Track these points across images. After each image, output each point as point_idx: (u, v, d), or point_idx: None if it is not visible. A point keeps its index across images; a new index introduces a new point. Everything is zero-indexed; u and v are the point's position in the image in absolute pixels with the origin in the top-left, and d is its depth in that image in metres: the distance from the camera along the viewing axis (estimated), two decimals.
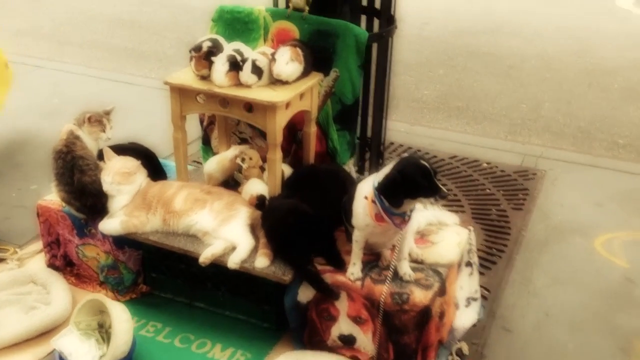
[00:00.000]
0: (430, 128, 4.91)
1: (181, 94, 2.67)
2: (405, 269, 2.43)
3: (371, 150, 3.40)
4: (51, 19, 7.66)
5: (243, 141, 3.12)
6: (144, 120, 4.76)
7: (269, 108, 2.51)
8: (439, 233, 2.72)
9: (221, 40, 2.71)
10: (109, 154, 2.75)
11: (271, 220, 2.55)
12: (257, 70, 2.55)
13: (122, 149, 2.91)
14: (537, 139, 4.86)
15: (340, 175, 2.82)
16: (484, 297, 2.95)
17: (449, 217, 2.82)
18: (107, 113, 2.88)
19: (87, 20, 7.61)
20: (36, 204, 2.96)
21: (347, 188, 2.74)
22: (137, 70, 6.11)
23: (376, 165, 3.42)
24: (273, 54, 2.58)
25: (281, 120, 2.56)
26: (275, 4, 3.09)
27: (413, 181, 2.16)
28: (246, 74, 2.55)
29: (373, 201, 2.24)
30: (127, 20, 7.63)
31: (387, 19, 3.11)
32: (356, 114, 2.94)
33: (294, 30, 2.84)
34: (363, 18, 3.13)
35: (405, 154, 2.28)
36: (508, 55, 6.63)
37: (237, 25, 2.92)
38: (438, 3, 8.27)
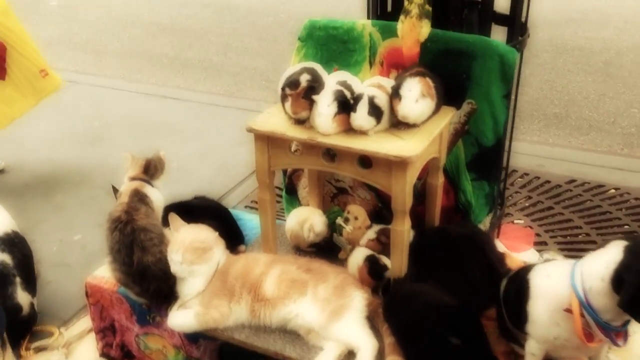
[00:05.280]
0: (531, 143, 4.14)
1: (270, 143, 2.00)
2: None
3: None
4: (86, 25, 7.08)
5: (340, 191, 2.44)
6: (198, 143, 4.17)
7: (397, 164, 1.80)
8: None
9: (319, 69, 2.02)
10: (175, 222, 2.09)
11: (403, 316, 1.86)
12: (375, 111, 1.86)
13: (187, 209, 2.27)
14: None
15: (477, 240, 2.13)
16: None
17: None
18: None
19: (124, 26, 7.01)
20: (85, 282, 2.35)
21: (488, 257, 2.09)
22: (182, 82, 5.49)
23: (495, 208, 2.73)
24: (396, 88, 1.88)
25: (412, 178, 1.86)
26: (375, 11, 2.38)
27: None
28: (361, 117, 1.85)
29: (582, 315, 1.54)
30: (167, 24, 7.00)
31: (520, 27, 2.40)
32: (498, 158, 2.22)
33: None
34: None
35: (623, 242, 1.57)
36: (600, 49, 5.79)
37: (333, 45, 2.23)
38: None
